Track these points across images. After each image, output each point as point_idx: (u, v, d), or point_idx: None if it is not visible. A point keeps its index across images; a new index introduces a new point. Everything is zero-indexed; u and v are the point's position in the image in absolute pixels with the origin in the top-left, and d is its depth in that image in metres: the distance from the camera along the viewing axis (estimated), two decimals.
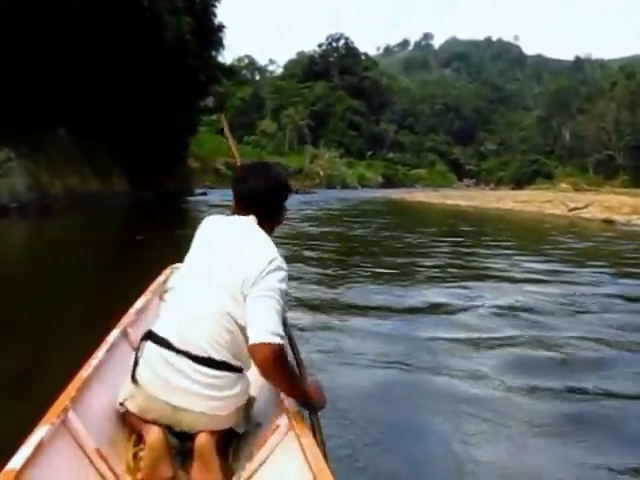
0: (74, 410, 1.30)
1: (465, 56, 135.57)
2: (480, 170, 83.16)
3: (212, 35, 25.50)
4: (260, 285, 1.35)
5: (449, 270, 6.46)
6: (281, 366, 1.30)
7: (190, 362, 1.34)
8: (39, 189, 14.38)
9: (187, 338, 1.35)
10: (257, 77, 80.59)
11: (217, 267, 1.40)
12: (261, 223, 1.50)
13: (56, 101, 15.64)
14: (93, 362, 1.51)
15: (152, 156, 20.12)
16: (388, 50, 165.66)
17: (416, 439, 2.21)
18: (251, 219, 1.49)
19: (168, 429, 1.37)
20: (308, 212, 17.61)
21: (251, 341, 1.30)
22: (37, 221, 12.49)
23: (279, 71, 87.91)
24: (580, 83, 78.15)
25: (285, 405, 1.41)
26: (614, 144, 53.79)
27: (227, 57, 64.04)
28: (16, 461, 1.06)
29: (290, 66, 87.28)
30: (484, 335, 3.65)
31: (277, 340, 1.30)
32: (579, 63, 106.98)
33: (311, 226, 12.58)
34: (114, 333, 1.72)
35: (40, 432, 1.15)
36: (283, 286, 1.39)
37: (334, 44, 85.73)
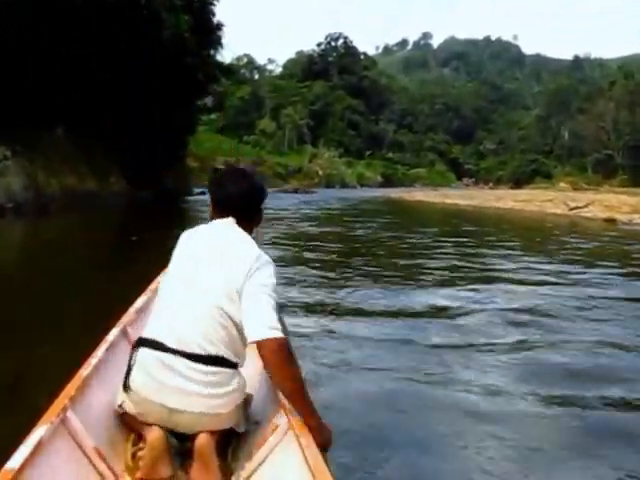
0: (73, 409, 1.30)
1: (464, 55, 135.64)
2: (479, 169, 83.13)
3: (211, 34, 25.41)
4: (252, 282, 1.38)
5: (455, 272, 6.29)
6: (287, 359, 1.32)
7: (186, 361, 1.33)
8: (35, 189, 14.27)
9: (182, 337, 1.35)
10: (256, 76, 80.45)
11: (204, 270, 1.41)
12: (240, 224, 1.52)
13: (53, 100, 15.61)
14: (93, 361, 1.51)
15: (151, 155, 20.09)
16: (387, 49, 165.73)
17: (422, 451, 2.10)
18: (230, 221, 1.51)
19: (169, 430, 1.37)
20: (308, 212, 17.50)
21: (256, 338, 1.31)
22: (33, 221, 12.40)
23: (278, 70, 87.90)
24: (579, 82, 78.22)
25: (284, 404, 1.40)
26: (613, 143, 53.81)
27: (226, 56, 63.83)
28: (15, 460, 1.06)
29: (289, 65, 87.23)
30: (494, 340, 3.50)
31: (282, 334, 1.33)
32: (578, 62, 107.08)
33: (311, 226, 12.46)
34: (114, 332, 1.73)
35: (39, 431, 1.15)
36: (274, 280, 1.42)
37: (333, 43, 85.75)
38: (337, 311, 4.13)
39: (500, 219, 17.96)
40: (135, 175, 19.48)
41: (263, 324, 1.31)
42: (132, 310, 1.93)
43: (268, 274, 1.41)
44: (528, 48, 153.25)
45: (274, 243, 8.44)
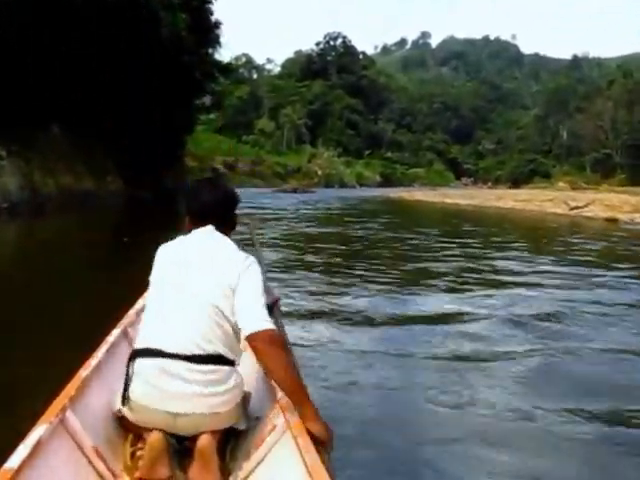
0: (72, 409, 1.30)
1: (463, 55, 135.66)
2: (478, 169, 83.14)
3: (209, 32, 25.34)
4: (243, 281, 1.43)
5: (463, 275, 6.07)
6: (281, 348, 1.36)
7: (186, 363, 1.34)
8: (31, 188, 14.18)
9: (179, 340, 1.36)
10: (255, 76, 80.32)
11: (194, 274, 1.45)
12: (218, 231, 1.58)
13: (52, 100, 15.59)
14: (93, 362, 1.51)
15: (151, 155, 20.07)
16: (386, 49, 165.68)
17: (425, 467, 1.98)
18: (210, 229, 1.57)
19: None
20: (307, 212, 17.36)
21: (248, 331, 1.35)
22: (29, 221, 12.31)
23: (277, 70, 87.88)
24: (577, 82, 78.24)
25: (282, 404, 1.41)
26: (611, 143, 53.78)
27: (225, 56, 63.70)
28: (14, 460, 1.06)
29: (288, 65, 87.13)
30: (507, 349, 3.32)
31: (273, 327, 1.38)
32: (576, 62, 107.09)
33: (311, 227, 12.31)
34: (114, 333, 1.73)
35: (38, 431, 1.16)
36: (261, 279, 1.49)
37: (332, 43, 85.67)
38: (341, 319, 3.91)
39: (502, 219, 17.85)
40: (135, 175, 19.43)
41: (255, 318, 1.36)
42: (133, 311, 1.93)
43: (256, 273, 1.48)
44: (527, 48, 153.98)
45: (273, 245, 8.27)
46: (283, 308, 3.95)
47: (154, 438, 1.32)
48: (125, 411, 1.40)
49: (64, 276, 5.13)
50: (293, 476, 1.18)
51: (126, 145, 19.04)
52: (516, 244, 9.74)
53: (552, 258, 7.82)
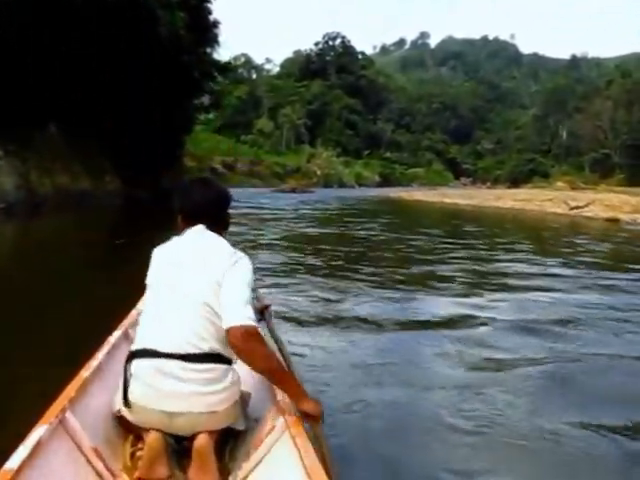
0: (72, 410, 1.31)
1: (461, 55, 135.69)
2: (477, 169, 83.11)
3: (207, 32, 25.21)
4: (229, 275, 1.43)
5: (468, 278, 5.93)
6: (256, 343, 1.34)
7: (182, 363, 1.34)
8: (28, 188, 14.10)
9: (174, 340, 1.37)
10: (254, 76, 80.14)
11: (186, 275, 1.45)
12: (210, 229, 1.58)
13: (52, 100, 15.54)
14: (94, 363, 1.52)
15: (150, 155, 19.96)
16: (384, 49, 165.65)
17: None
18: (202, 228, 1.57)
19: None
20: (307, 212, 17.23)
21: (224, 328, 1.35)
22: (25, 221, 12.21)
23: (276, 70, 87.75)
24: (576, 82, 78.32)
25: (281, 405, 1.40)
26: (610, 142, 53.80)
27: (223, 55, 63.32)
28: (14, 461, 1.07)
29: (287, 65, 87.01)
30: (516, 356, 3.19)
31: (251, 322, 1.36)
32: (575, 61, 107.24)
33: (311, 227, 12.18)
34: (115, 334, 1.72)
35: (38, 432, 1.17)
36: (249, 274, 1.48)
37: (331, 43, 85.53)
38: (345, 326, 3.75)
39: (502, 219, 17.75)
40: (133, 175, 19.32)
41: (231, 313, 1.36)
42: (134, 312, 1.92)
43: (244, 268, 1.47)
44: (525, 47, 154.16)
45: (273, 245, 8.16)
46: (286, 314, 3.83)
47: (152, 438, 1.34)
48: (125, 412, 1.41)
49: (61, 276, 5.10)
50: (292, 476, 1.19)
51: (125, 145, 18.96)
52: (521, 245, 9.60)
53: (559, 260, 7.67)
